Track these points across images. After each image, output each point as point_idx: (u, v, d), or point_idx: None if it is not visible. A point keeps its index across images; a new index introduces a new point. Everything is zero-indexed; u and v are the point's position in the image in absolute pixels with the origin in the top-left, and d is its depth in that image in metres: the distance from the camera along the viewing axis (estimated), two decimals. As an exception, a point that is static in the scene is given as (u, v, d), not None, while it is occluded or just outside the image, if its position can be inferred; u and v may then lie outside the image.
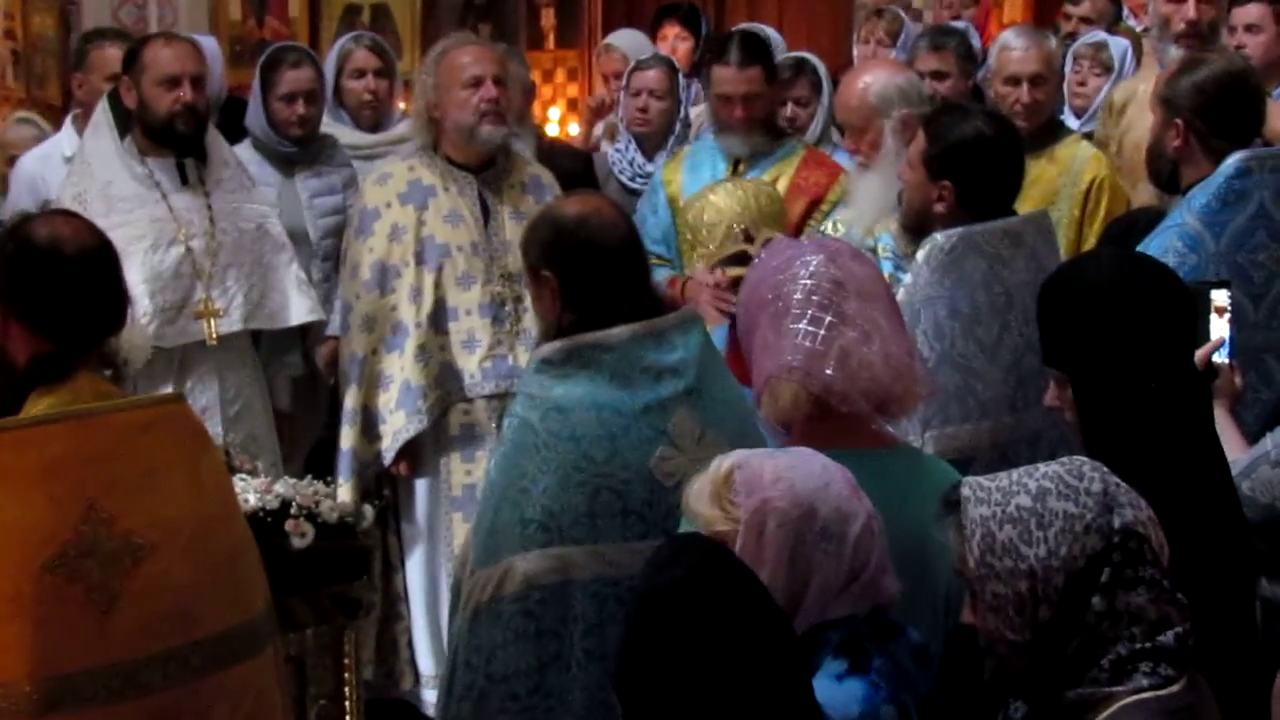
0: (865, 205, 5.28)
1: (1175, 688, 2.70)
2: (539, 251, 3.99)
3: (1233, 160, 4.82)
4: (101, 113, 5.92)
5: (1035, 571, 2.71)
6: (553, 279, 3.93)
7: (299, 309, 6.06)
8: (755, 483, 3.08)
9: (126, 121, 5.89)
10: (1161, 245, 4.75)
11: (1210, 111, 4.89)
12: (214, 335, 5.85)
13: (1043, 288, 3.79)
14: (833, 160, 6.41)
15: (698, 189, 6.36)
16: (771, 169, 6.32)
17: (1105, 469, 2.80)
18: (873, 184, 5.30)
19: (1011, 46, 6.52)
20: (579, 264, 3.91)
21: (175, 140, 5.83)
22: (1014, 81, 6.38)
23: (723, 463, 3.17)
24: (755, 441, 4.00)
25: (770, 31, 8.25)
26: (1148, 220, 5.30)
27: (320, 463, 6.07)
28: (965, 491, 2.82)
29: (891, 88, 5.44)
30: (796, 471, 3.08)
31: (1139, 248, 4.74)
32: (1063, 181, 6.23)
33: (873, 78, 5.52)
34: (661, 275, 6.37)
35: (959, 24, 8.28)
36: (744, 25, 8.45)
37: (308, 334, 6.23)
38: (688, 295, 6.19)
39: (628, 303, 3.91)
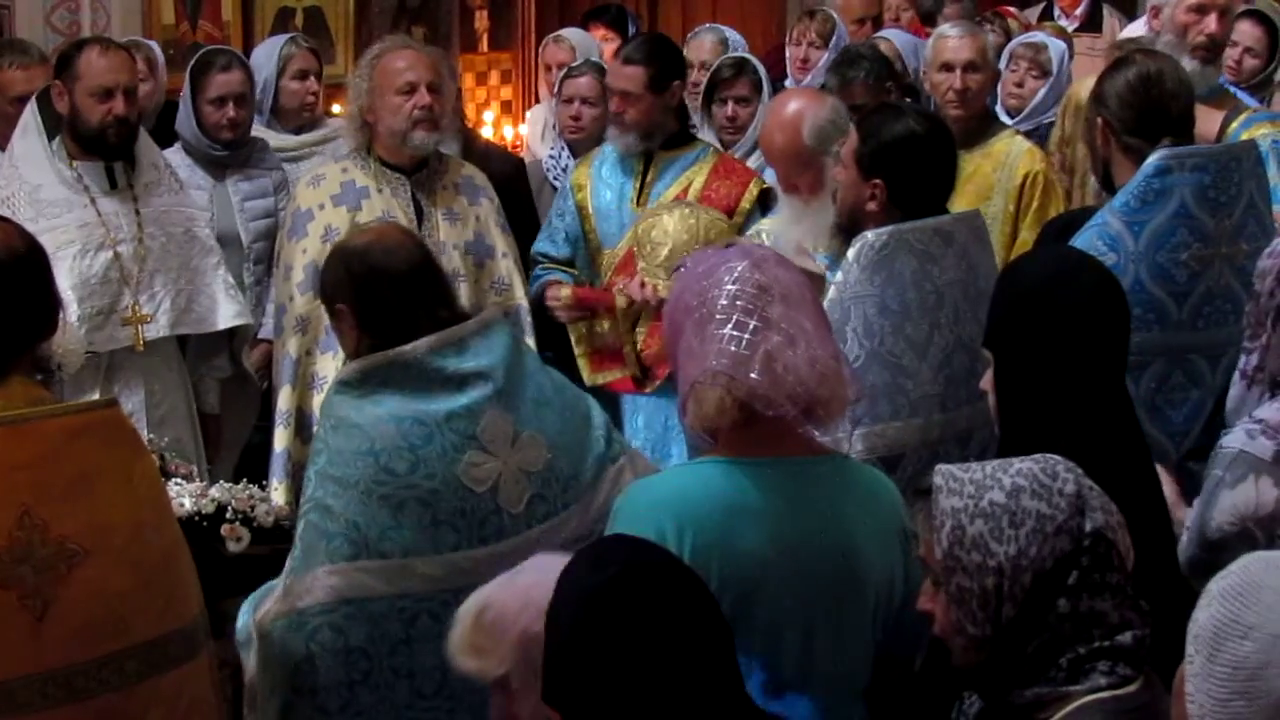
0: (803, 234, 5.21)
1: (1132, 687, 2.71)
2: (331, 287, 4.07)
3: (1153, 159, 4.84)
4: (30, 115, 5.86)
5: (1003, 569, 2.70)
6: (347, 310, 4.00)
7: (226, 313, 6.04)
8: (505, 618, 3.04)
9: (56, 122, 5.85)
10: (1084, 244, 4.77)
11: (1123, 110, 4.94)
12: (141, 342, 5.83)
13: (1000, 272, 3.87)
14: (743, 166, 6.38)
15: (604, 193, 6.37)
16: (681, 177, 6.31)
17: (1079, 470, 2.80)
18: (817, 219, 5.22)
19: (946, 35, 6.56)
20: (369, 292, 3.97)
21: (105, 149, 5.80)
22: (948, 68, 6.42)
23: (467, 611, 3.12)
24: (580, 434, 4.07)
25: (731, 33, 8.26)
26: (1086, 220, 5.35)
27: (252, 466, 6.05)
28: (937, 480, 2.80)
29: (823, 122, 5.33)
30: (538, 589, 2.97)
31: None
32: (998, 176, 6.26)
33: (799, 115, 5.39)
34: (544, 278, 6.35)
35: (892, 32, 8.30)
36: (707, 26, 8.45)
37: (234, 336, 6.21)
38: (546, 296, 6.23)
39: (425, 320, 3.95)
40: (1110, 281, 3.82)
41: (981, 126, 6.42)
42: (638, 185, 6.33)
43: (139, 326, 5.82)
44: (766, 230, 5.30)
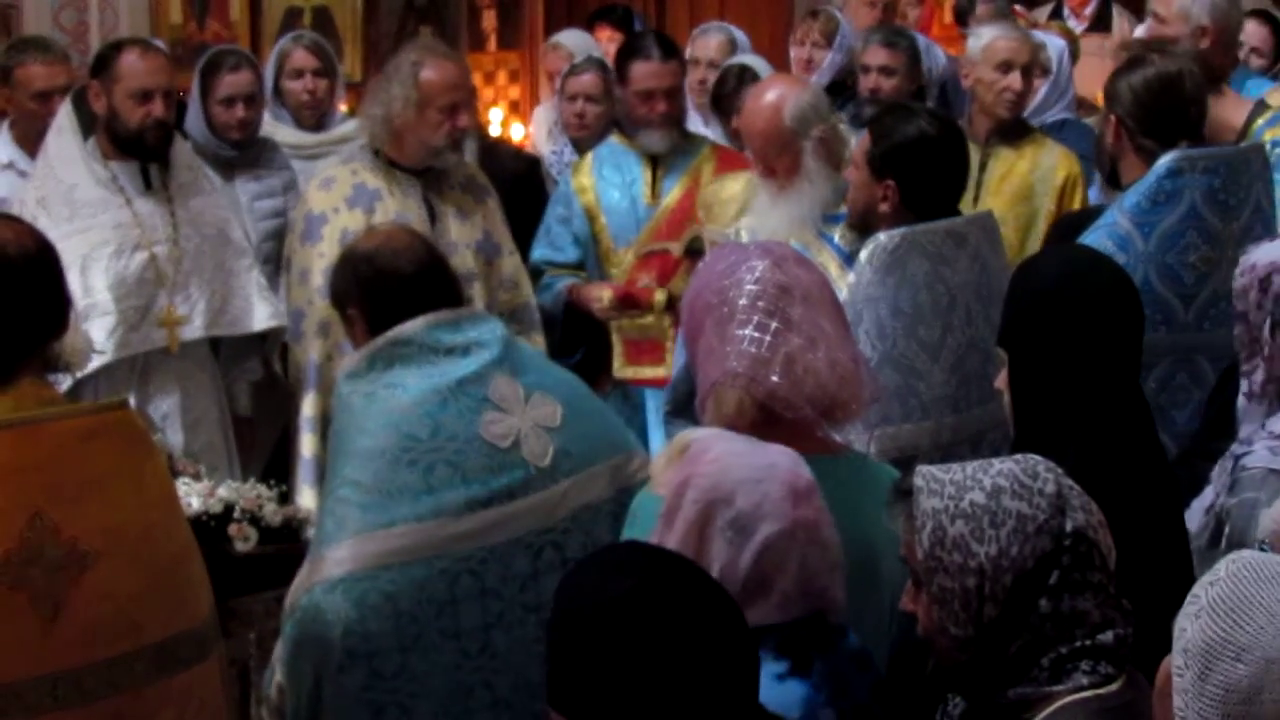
0: (776, 225, 5.19)
1: (1114, 686, 2.70)
2: (341, 294, 4.08)
3: (1165, 160, 4.84)
4: (65, 115, 5.86)
5: (984, 569, 2.70)
6: (358, 316, 4.01)
7: (261, 315, 6.02)
8: (697, 457, 3.08)
9: (90, 122, 5.84)
10: (1093, 243, 4.76)
11: (1139, 111, 4.94)
12: (176, 343, 5.83)
13: (1015, 270, 3.87)
14: (742, 156, 6.22)
15: (611, 192, 6.38)
16: (689, 168, 6.33)
17: (1059, 470, 2.79)
18: (790, 207, 5.20)
19: (1004, 36, 6.48)
20: (377, 296, 3.97)
21: (143, 150, 5.80)
22: (1006, 68, 6.37)
23: (688, 435, 3.19)
24: (594, 404, 4.12)
25: (737, 32, 8.25)
26: (1095, 218, 5.34)
27: (271, 470, 6.03)
28: (918, 481, 2.80)
29: (804, 106, 5.27)
30: (738, 459, 3.06)
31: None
32: (1036, 177, 6.25)
33: (781, 98, 5.32)
34: (562, 284, 6.38)
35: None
36: (715, 25, 8.44)
37: (266, 339, 6.19)
38: (584, 296, 6.22)
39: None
40: (1123, 279, 3.82)
41: (1016, 127, 6.42)
42: (649, 180, 6.33)
43: (174, 328, 5.82)
44: (745, 228, 5.28)
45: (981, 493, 2.73)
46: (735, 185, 5.98)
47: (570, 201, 6.50)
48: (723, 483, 3.02)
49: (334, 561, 3.73)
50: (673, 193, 6.29)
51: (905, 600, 2.85)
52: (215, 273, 5.93)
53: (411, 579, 3.73)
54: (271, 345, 6.19)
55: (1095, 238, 4.84)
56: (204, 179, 6.05)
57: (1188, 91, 5.00)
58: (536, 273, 6.50)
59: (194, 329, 5.87)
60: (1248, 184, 4.94)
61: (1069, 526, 2.72)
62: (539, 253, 6.53)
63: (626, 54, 6.63)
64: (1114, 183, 5.10)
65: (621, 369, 6.20)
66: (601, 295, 6.19)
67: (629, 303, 6.13)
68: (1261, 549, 3.60)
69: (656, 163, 6.38)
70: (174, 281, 5.81)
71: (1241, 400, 4.08)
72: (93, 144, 5.83)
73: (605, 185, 6.42)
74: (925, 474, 2.82)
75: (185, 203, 5.89)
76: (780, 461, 3.09)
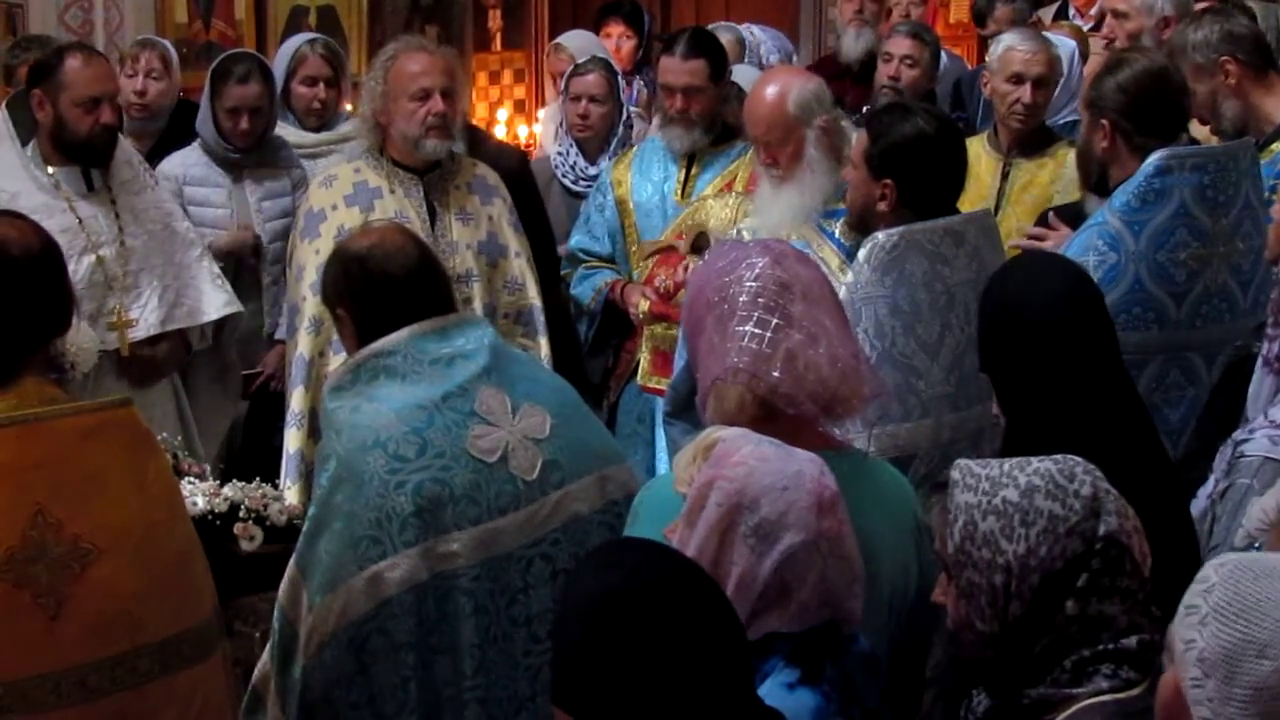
0: (779, 217, 5.20)
1: (1135, 691, 2.70)
2: (331, 292, 4.05)
3: (1153, 159, 4.83)
4: (2, 123, 5.81)
5: (1011, 567, 2.71)
6: (347, 316, 3.98)
7: (215, 303, 6.03)
8: (723, 458, 3.07)
9: (28, 128, 5.80)
10: (1083, 244, 4.79)
11: (1134, 110, 4.91)
12: (126, 347, 5.82)
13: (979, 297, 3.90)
14: None
15: (645, 188, 6.39)
16: (725, 170, 6.32)
17: (1098, 472, 2.79)
18: (790, 196, 5.22)
19: (1018, 47, 6.41)
20: (367, 298, 3.94)
21: (90, 156, 5.78)
22: (1017, 80, 6.30)
23: (714, 433, 3.18)
24: (584, 414, 4.09)
25: (743, 31, 8.23)
26: (1068, 216, 5.34)
27: (264, 465, 6.03)
28: (955, 475, 2.82)
29: (808, 95, 5.28)
30: (765, 464, 3.05)
31: (1062, 248, 4.81)
32: (1056, 188, 6.21)
33: (785, 87, 5.33)
34: (601, 279, 6.41)
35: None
36: (723, 25, 8.44)
37: (223, 325, 6.19)
38: (625, 299, 6.24)
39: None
40: (1075, 279, 3.84)
41: (1038, 136, 6.38)
42: (681, 179, 6.34)
43: (124, 330, 5.80)
44: (746, 228, 5.29)
45: (1015, 490, 2.75)
46: (714, 205, 5.99)
47: (606, 192, 6.54)
48: (748, 488, 3.02)
49: (337, 611, 3.70)
50: (704, 193, 6.29)
51: (937, 592, 2.87)
52: (166, 268, 5.92)
53: (405, 607, 3.72)
54: (228, 332, 6.20)
55: (1085, 238, 4.84)
56: (144, 174, 6.02)
57: (1176, 84, 5.00)
58: (575, 260, 6.57)
59: (149, 326, 5.86)
60: (1236, 180, 4.93)
61: (1102, 530, 2.73)
62: (576, 240, 6.59)
63: (664, 47, 6.66)
64: (1100, 190, 5.05)
65: (645, 378, 6.21)
66: (640, 305, 6.20)
67: (663, 317, 6.14)
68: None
69: (693, 162, 6.38)
70: (124, 283, 5.81)
71: (1258, 365, 4.08)
72: (33, 149, 5.78)
73: (641, 180, 6.44)
74: (962, 468, 2.83)
75: (128, 201, 5.87)
76: (807, 470, 3.08)
